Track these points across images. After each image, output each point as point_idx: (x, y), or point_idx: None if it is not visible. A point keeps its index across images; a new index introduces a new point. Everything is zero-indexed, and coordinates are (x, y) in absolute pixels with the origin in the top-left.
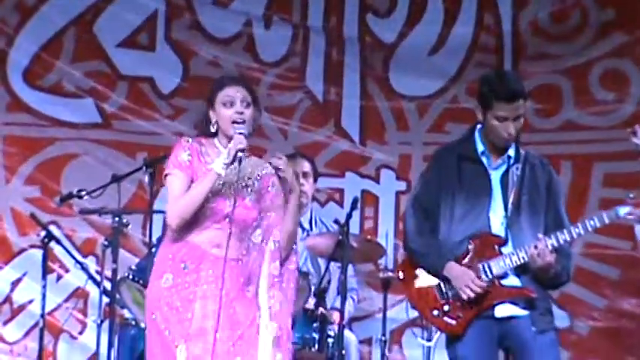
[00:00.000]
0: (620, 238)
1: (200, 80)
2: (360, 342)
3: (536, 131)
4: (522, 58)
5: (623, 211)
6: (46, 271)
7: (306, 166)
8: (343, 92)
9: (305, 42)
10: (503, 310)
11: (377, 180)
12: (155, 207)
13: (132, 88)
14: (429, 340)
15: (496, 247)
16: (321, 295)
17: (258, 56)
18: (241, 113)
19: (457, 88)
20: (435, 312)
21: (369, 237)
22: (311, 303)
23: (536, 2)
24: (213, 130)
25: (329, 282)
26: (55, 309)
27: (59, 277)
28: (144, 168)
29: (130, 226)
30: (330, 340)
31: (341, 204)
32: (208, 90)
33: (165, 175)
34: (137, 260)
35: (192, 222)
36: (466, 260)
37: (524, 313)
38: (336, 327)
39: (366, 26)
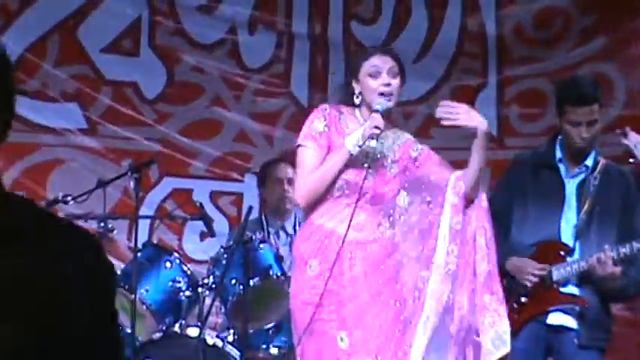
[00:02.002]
0: None
1: (184, 86)
2: None
3: (521, 136)
4: (507, 63)
5: None
6: None
7: (291, 172)
8: (328, 98)
9: (289, 48)
10: (555, 319)
11: None
12: (140, 212)
13: (116, 93)
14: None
15: (562, 254)
16: None
17: (243, 62)
18: (388, 85)
19: (442, 94)
20: None
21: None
22: None
23: (519, 8)
24: (357, 102)
25: None
26: None
27: None
28: (129, 173)
29: (115, 232)
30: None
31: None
32: (352, 60)
33: (298, 146)
34: (123, 266)
35: (322, 200)
36: None
37: (575, 325)
38: None
39: (351, 33)
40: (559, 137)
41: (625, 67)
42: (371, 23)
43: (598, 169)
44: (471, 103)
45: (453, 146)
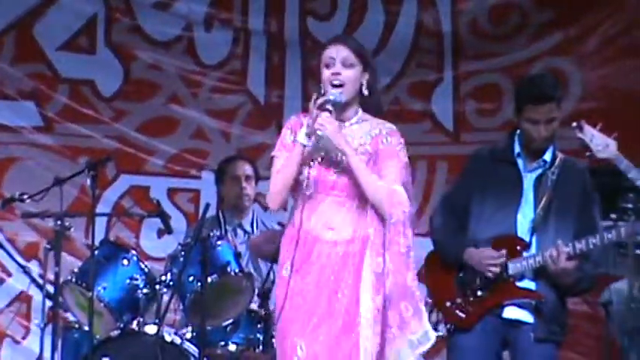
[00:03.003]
0: None
1: (141, 83)
2: None
3: (477, 130)
4: (462, 58)
5: None
6: None
7: (248, 169)
8: (285, 95)
9: (246, 45)
10: (510, 312)
11: None
12: (97, 210)
13: (73, 91)
14: (435, 330)
15: (518, 249)
16: (265, 296)
17: (199, 59)
18: (337, 74)
19: (399, 89)
20: (448, 303)
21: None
22: (255, 304)
23: (474, 3)
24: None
25: (273, 283)
26: None
27: (2, 282)
28: (86, 171)
29: (72, 230)
30: (275, 341)
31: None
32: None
33: (271, 158)
34: (80, 263)
35: (297, 200)
36: None
37: (530, 319)
38: None
39: (307, 29)
40: (517, 132)
41: (580, 62)
42: (327, 19)
43: (556, 164)
44: (428, 98)
45: (408, 141)
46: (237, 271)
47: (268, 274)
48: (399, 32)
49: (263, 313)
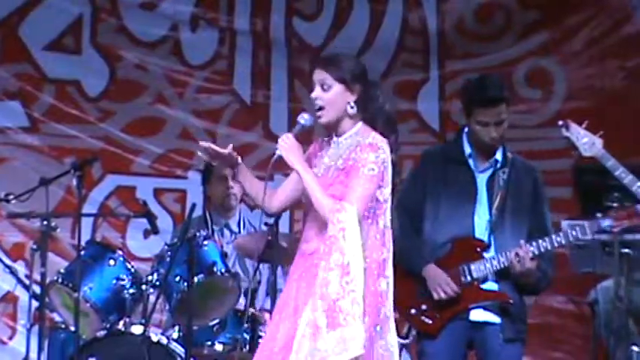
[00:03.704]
0: None
1: (127, 83)
2: None
3: None
4: (448, 58)
5: (605, 223)
6: None
7: None
8: (271, 95)
9: (232, 45)
10: (477, 315)
11: None
12: (84, 210)
13: (59, 91)
14: (405, 337)
15: (478, 250)
16: (251, 296)
17: (185, 60)
18: (315, 99)
19: (385, 89)
20: (413, 310)
21: (298, 236)
22: (241, 304)
23: (460, 3)
24: None
25: (259, 282)
26: None
27: None
28: (72, 171)
29: (58, 230)
30: (261, 341)
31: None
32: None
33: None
34: (66, 264)
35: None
36: (447, 262)
37: (497, 320)
38: (266, 327)
39: (293, 29)
40: (465, 131)
41: (565, 62)
42: (313, 19)
43: (507, 164)
44: (413, 97)
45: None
46: (223, 271)
47: (255, 274)
48: (384, 32)
49: (250, 313)
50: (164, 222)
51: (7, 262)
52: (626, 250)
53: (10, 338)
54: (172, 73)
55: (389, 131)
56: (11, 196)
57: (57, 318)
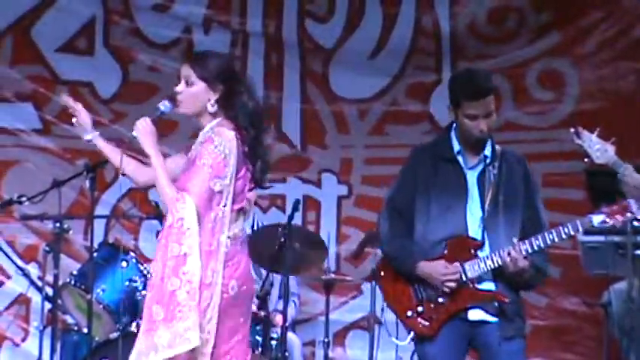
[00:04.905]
0: None
1: (139, 85)
2: (304, 344)
3: None
4: (461, 60)
5: (597, 219)
6: None
7: None
8: (283, 96)
9: (244, 47)
10: (475, 314)
11: (318, 185)
12: (96, 212)
13: (71, 93)
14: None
15: (472, 250)
16: (263, 299)
17: None
18: (178, 93)
19: (397, 91)
20: (409, 312)
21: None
22: (254, 306)
23: (473, 4)
24: None
25: (271, 285)
26: None
27: (1, 284)
28: (84, 173)
29: (71, 232)
30: (274, 343)
31: (283, 209)
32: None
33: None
34: (79, 266)
35: None
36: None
37: (494, 319)
38: (279, 330)
39: (305, 31)
40: (453, 128)
41: (578, 63)
42: (325, 21)
43: (496, 158)
44: (426, 99)
45: (407, 143)
46: None
47: (267, 276)
48: (397, 34)
49: (262, 315)
50: None
51: (20, 263)
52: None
53: (23, 340)
54: None
55: (251, 127)
56: (24, 198)
57: (69, 320)
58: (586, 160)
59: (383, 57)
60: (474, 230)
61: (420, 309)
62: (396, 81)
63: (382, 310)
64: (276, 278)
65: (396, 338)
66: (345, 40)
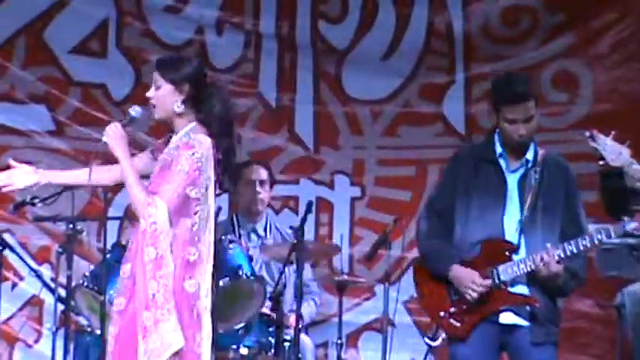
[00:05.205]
0: None
1: None
2: (317, 346)
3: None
4: (474, 61)
5: (630, 226)
6: (0, 279)
7: (264, 174)
8: (296, 98)
9: (257, 48)
10: (507, 318)
11: (331, 186)
12: (109, 214)
13: (84, 94)
14: (433, 339)
15: (507, 253)
16: (276, 300)
17: (211, 63)
18: (149, 98)
19: (410, 92)
20: (442, 313)
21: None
22: (267, 308)
23: (486, 5)
24: None
25: (285, 286)
26: (10, 317)
27: (14, 286)
28: None
29: (84, 233)
30: (287, 345)
31: (296, 211)
32: None
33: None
34: (92, 267)
35: None
36: (476, 264)
37: (526, 323)
38: (292, 331)
39: (319, 32)
40: (497, 131)
41: (591, 65)
42: (338, 22)
43: (538, 162)
44: (439, 100)
45: (420, 144)
46: (249, 274)
47: (280, 277)
48: (410, 35)
49: (275, 316)
50: None
51: (33, 265)
52: None
53: (36, 341)
54: None
55: (221, 134)
56: (37, 200)
57: (82, 321)
58: (601, 162)
59: (396, 58)
60: (511, 233)
61: (452, 310)
62: (409, 82)
63: (395, 312)
64: (290, 279)
65: (429, 339)
66: (358, 41)
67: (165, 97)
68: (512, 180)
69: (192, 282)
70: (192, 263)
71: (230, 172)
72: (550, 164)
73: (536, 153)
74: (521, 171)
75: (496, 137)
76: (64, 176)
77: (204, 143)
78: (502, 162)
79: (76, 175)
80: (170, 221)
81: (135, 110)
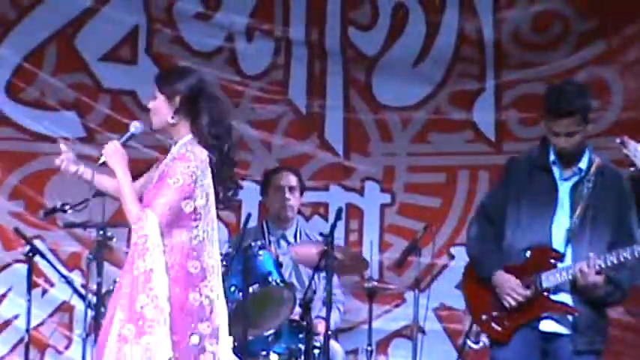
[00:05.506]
0: None
1: None
2: (347, 353)
3: (519, 140)
4: (504, 68)
5: None
6: (31, 285)
7: (293, 180)
8: (326, 104)
9: (287, 55)
10: (547, 325)
11: (361, 193)
12: None
13: (114, 101)
14: (476, 342)
15: (552, 261)
16: (306, 307)
17: (241, 70)
18: (150, 109)
19: (440, 99)
20: (484, 316)
21: (353, 249)
22: (297, 314)
23: (517, 12)
24: None
25: (314, 292)
26: (41, 324)
27: (44, 292)
28: None
29: (114, 240)
30: (316, 351)
31: (325, 218)
32: None
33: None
34: None
35: None
36: (521, 270)
37: (567, 332)
38: (321, 337)
39: (348, 39)
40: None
41: (623, 72)
42: (368, 29)
43: (592, 172)
44: (469, 107)
45: (450, 151)
46: (278, 281)
47: (310, 284)
48: (440, 42)
49: (305, 323)
50: (219, 232)
51: (64, 271)
52: None
53: (66, 348)
54: (228, 83)
55: (213, 147)
56: (67, 206)
57: None
58: (632, 169)
59: (426, 65)
60: (558, 242)
61: (494, 313)
62: (440, 89)
63: (425, 319)
64: (319, 285)
65: (472, 342)
66: (389, 47)
67: (159, 107)
68: (564, 188)
69: (199, 294)
70: (192, 275)
71: (224, 185)
72: (605, 175)
73: (590, 162)
74: (574, 179)
75: (550, 145)
76: (103, 181)
77: (199, 156)
78: (555, 169)
79: (112, 184)
80: (162, 233)
81: (134, 126)
